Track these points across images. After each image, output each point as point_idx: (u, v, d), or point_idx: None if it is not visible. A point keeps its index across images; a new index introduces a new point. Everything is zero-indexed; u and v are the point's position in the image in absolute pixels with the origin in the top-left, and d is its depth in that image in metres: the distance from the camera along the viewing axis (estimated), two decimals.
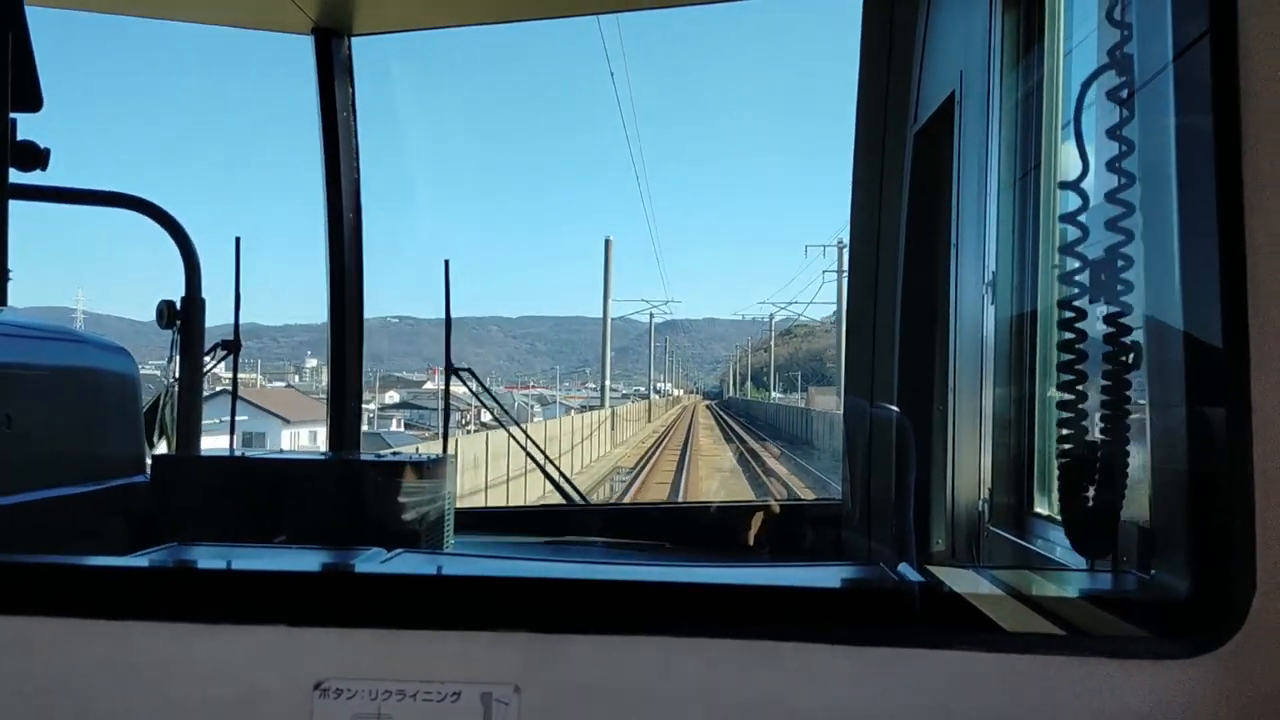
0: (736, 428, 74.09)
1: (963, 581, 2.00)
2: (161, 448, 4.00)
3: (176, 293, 3.94)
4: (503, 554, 4.21)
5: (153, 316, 3.91)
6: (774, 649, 1.43)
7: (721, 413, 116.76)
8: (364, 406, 5.06)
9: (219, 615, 1.44)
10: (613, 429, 48.03)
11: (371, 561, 1.82)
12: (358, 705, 1.40)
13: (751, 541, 4.46)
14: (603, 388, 52.75)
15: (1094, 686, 1.41)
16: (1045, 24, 2.99)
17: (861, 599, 1.69)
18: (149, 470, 3.56)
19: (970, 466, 3.29)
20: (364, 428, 4.68)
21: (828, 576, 2.03)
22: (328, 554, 2.05)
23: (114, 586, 1.53)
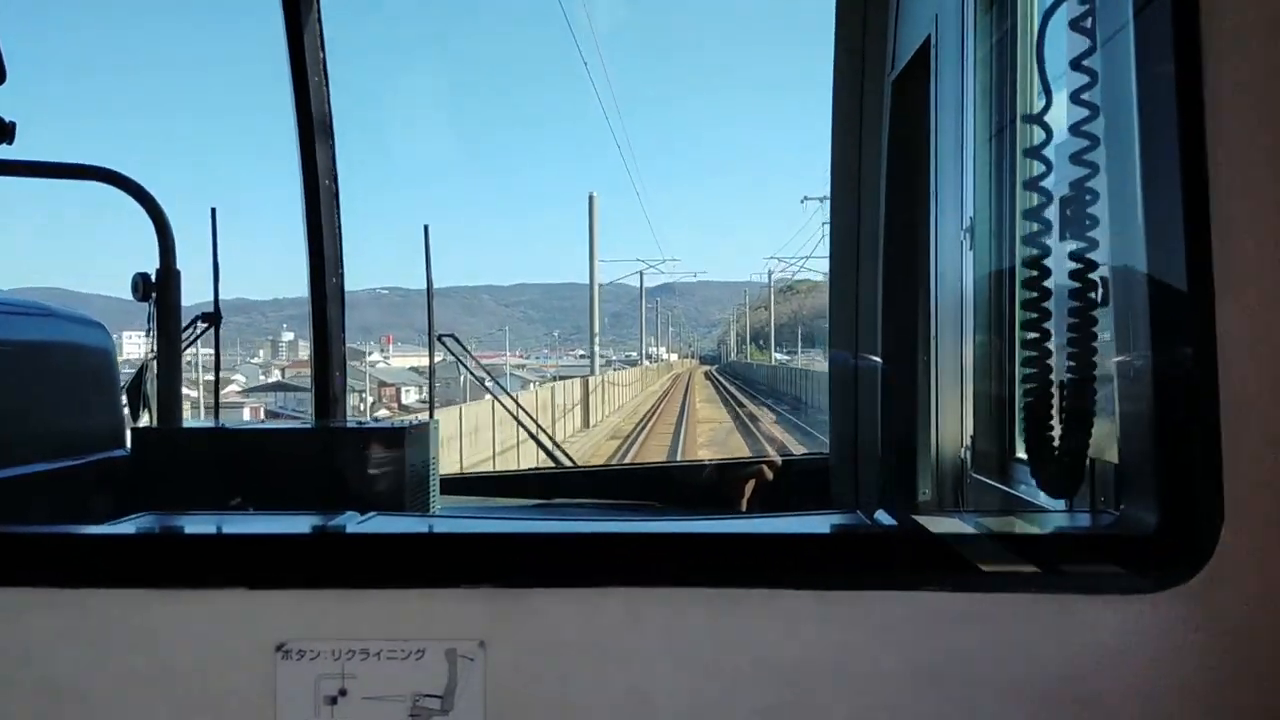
0: (745, 400, 61.85)
1: (939, 525, 1.99)
2: (144, 421, 3.98)
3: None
4: (464, 514, 4.21)
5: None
6: (743, 596, 1.42)
7: (721, 379, 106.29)
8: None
9: (178, 580, 1.43)
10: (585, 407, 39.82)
11: (343, 525, 1.81)
12: (321, 666, 1.39)
13: (742, 497, 4.46)
14: (592, 354, 49.78)
15: (1065, 622, 1.40)
16: None
17: (835, 545, 1.68)
18: (129, 443, 3.54)
19: (953, 415, 3.28)
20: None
21: (803, 524, 2.02)
22: (297, 518, 2.03)
23: (75, 555, 1.52)
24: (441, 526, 2.08)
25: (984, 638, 1.40)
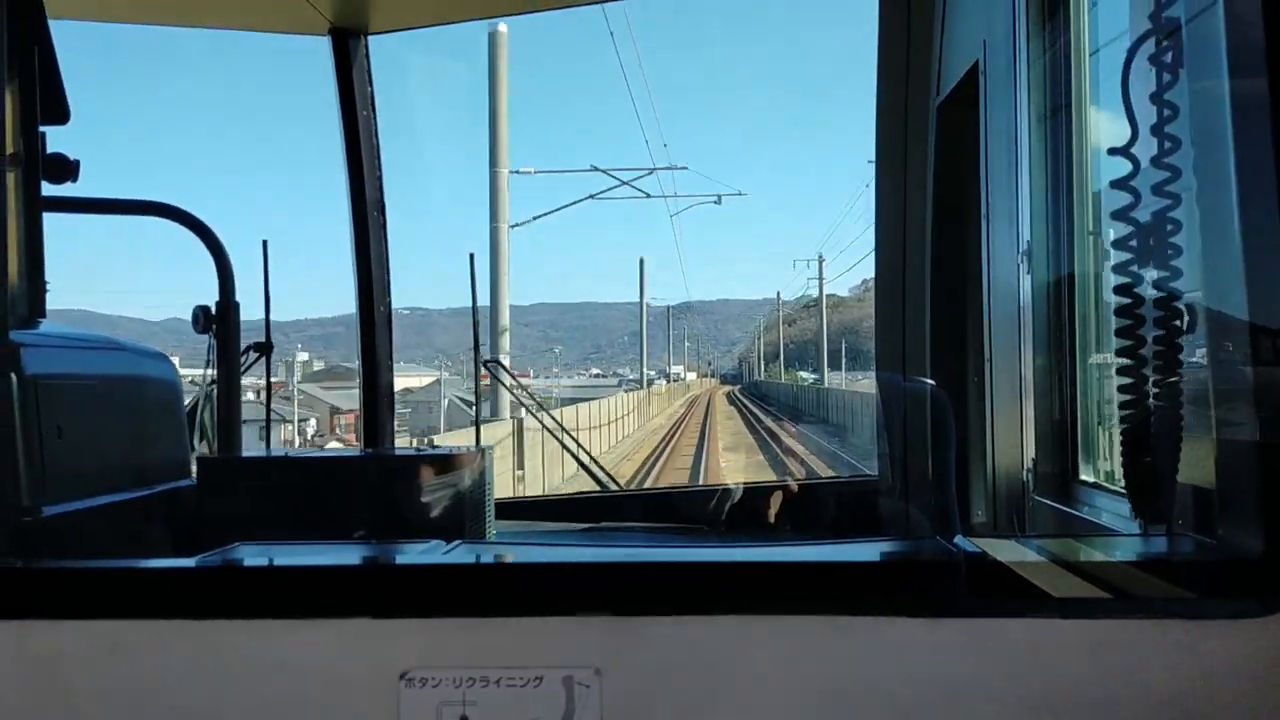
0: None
1: (1024, 552, 2.01)
2: (202, 450, 4.04)
3: (180, 293, 3.98)
4: (544, 541, 4.25)
5: (163, 316, 3.95)
6: (849, 624, 1.44)
7: (746, 403, 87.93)
8: None
9: (303, 610, 1.47)
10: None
11: (435, 553, 1.85)
12: (443, 693, 1.42)
13: (790, 520, 4.48)
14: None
15: (1172, 648, 1.42)
16: None
17: (927, 571, 1.70)
18: (195, 473, 3.60)
19: (1011, 437, 3.29)
20: None
21: (890, 550, 2.04)
22: (393, 547, 2.07)
23: (198, 588, 1.56)
24: (548, 555, 2.12)
25: (1094, 665, 1.42)
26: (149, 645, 1.46)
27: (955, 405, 3.79)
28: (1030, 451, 3.09)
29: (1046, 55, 3.09)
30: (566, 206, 33.91)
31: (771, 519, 4.55)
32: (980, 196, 3.59)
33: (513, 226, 25.22)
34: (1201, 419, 1.63)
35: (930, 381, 3.96)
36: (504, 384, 5.46)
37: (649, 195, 32.59)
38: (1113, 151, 1.68)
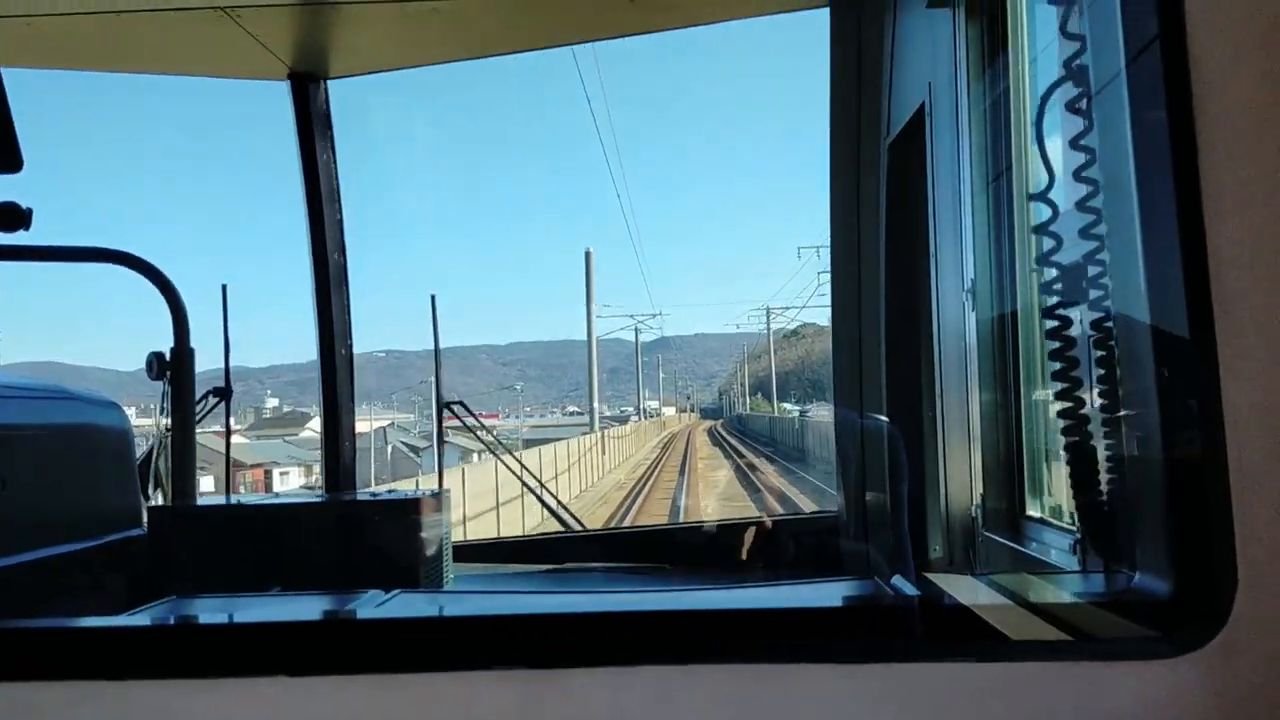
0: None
1: (958, 590, 2.02)
2: (156, 499, 4.01)
3: (150, 340, 3.98)
4: (503, 585, 4.23)
5: (132, 367, 3.94)
6: (775, 672, 1.44)
7: (730, 440, 74.08)
8: None
9: (219, 669, 1.46)
10: None
11: (369, 604, 1.84)
12: None
13: (751, 558, 4.48)
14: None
15: (1088, 690, 1.43)
16: (1008, 35, 3.04)
17: (859, 616, 1.71)
18: (146, 523, 3.57)
19: (962, 472, 3.32)
20: None
21: (825, 594, 2.05)
22: (326, 599, 2.06)
23: (114, 646, 1.55)
24: (470, 607, 2.11)
25: (1013, 707, 1.43)
26: (63, 708, 1.44)
27: (910, 442, 3.81)
28: (979, 487, 3.11)
29: (987, 99, 3.14)
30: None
31: (732, 557, 4.54)
32: (928, 234, 3.63)
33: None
34: (1121, 455, 1.65)
35: (884, 419, 3.98)
36: (467, 425, 5.44)
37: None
38: (1033, 197, 1.72)
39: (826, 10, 4.37)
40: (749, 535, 4.62)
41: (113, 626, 1.66)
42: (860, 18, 4.24)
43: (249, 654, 1.50)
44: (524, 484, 5.41)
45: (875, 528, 4.11)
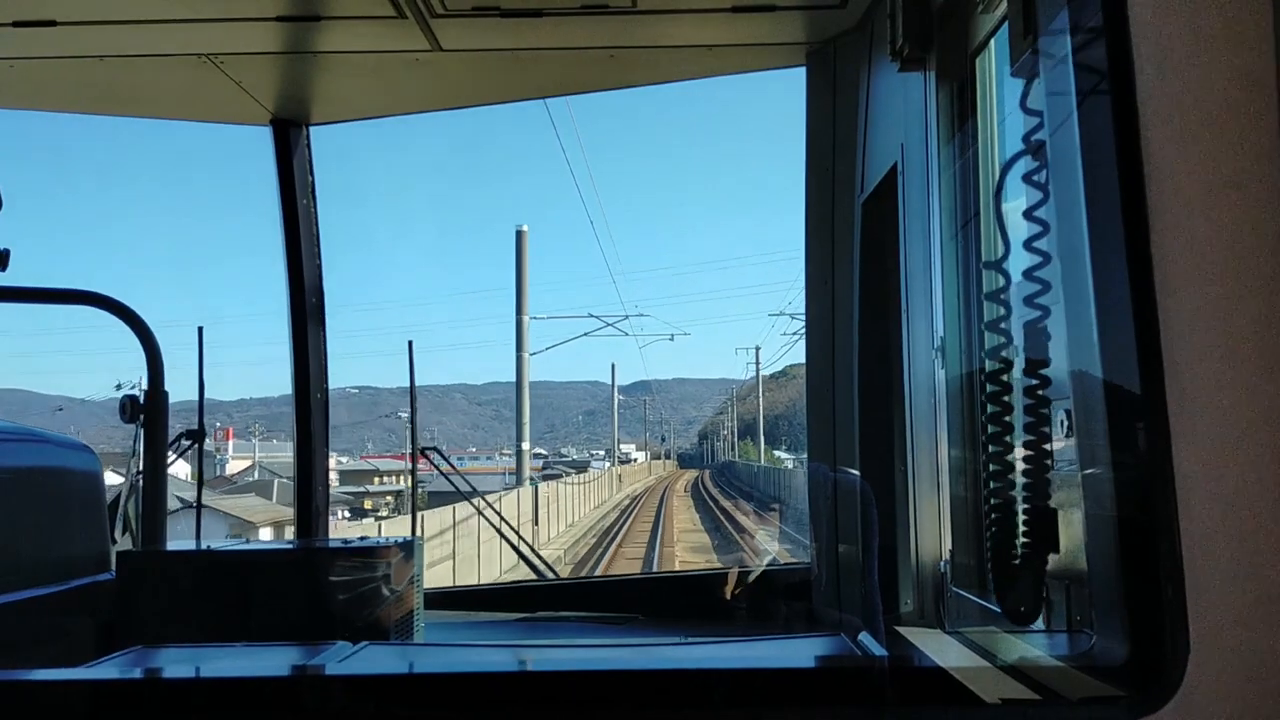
0: None
1: (928, 646, 2.04)
2: (125, 542, 3.98)
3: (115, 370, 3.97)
4: (474, 635, 4.20)
5: (92, 394, 3.93)
6: None
7: (718, 498, 57.63)
8: None
9: None
10: None
11: (335, 658, 1.84)
12: None
13: (724, 610, 4.48)
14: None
15: None
16: (977, 100, 3.12)
17: (832, 676, 1.73)
18: (114, 567, 3.54)
19: (931, 528, 3.35)
20: None
21: (798, 653, 2.06)
22: (292, 652, 2.05)
23: (80, 701, 1.54)
24: (440, 663, 2.11)
25: None
26: None
27: (882, 497, 3.84)
28: (946, 543, 3.14)
29: (956, 162, 3.21)
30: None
31: (705, 609, 4.54)
32: (901, 291, 3.69)
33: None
34: (1074, 519, 1.69)
35: (855, 472, 4.01)
36: (442, 471, 5.43)
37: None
38: (987, 266, 1.76)
39: (803, 70, 4.47)
40: (721, 586, 4.62)
41: (78, 680, 1.65)
42: (835, 77, 4.33)
43: (215, 709, 1.50)
44: (501, 534, 5.39)
45: (847, 581, 4.12)
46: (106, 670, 1.73)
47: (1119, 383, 1.52)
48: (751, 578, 4.57)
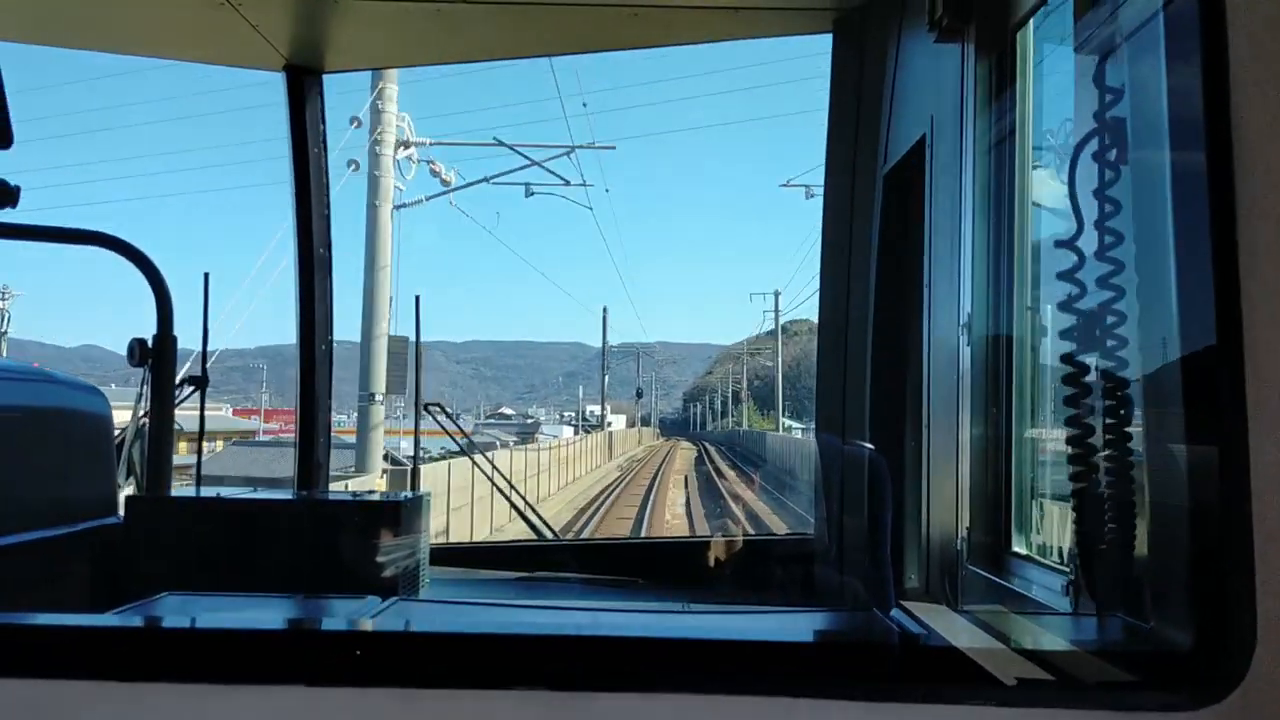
0: None
1: (947, 626, 2.04)
2: (130, 486, 3.94)
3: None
4: (480, 592, 4.20)
5: (77, 343, 3.87)
6: (792, 705, 1.45)
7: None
8: None
9: (234, 676, 1.43)
10: None
11: (369, 613, 1.82)
12: None
13: (725, 577, 4.49)
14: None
15: None
16: (1017, 74, 3.08)
17: (870, 651, 1.71)
18: (122, 511, 3.50)
19: (946, 505, 3.34)
20: None
21: (807, 626, 2.05)
22: (327, 605, 2.03)
23: (124, 646, 1.51)
24: (495, 623, 2.09)
25: None
26: (68, 706, 1.41)
27: (893, 470, 3.84)
28: (965, 521, 3.13)
29: (992, 136, 3.18)
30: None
31: (706, 575, 4.55)
32: (923, 265, 3.66)
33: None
34: (1140, 504, 1.67)
35: (869, 445, 4.00)
36: (445, 429, 5.40)
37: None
38: (1059, 244, 1.74)
39: (830, 36, 4.42)
40: (723, 553, 4.63)
41: (121, 627, 1.62)
42: (864, 45, 4.28)
43: (264, 662, 1.47)
44: (499, 490, 5.38)
45: (852, 554, 4.13)
46: (151, 617, 1.70)
47: (1196, 367, 1.49)
48: (755, 546, 4.57)
